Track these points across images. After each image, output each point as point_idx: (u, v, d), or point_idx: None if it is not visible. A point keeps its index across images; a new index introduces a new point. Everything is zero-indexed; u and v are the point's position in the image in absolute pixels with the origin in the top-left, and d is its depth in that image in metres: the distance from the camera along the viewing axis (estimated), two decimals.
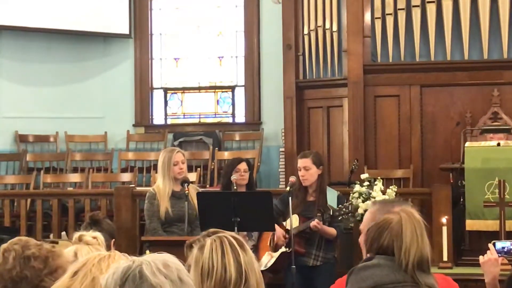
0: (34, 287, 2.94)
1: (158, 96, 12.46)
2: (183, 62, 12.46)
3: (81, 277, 2.41)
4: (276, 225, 6.76)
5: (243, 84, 12.16)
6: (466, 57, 9.74)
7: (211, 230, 2.88)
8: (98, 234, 3.80)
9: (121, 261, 2.23)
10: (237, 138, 11.91)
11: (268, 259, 6.95)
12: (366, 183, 7.66)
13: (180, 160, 7.03)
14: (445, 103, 9.89)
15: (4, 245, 3.20)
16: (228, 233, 2.83)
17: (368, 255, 3.13)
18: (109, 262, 2.44)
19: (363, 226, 3.48)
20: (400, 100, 10.00)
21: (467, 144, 8.11)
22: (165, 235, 6.86)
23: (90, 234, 3.75)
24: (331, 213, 6.73)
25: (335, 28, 10.36)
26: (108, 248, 4.92)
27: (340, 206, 6.80)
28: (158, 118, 12.45)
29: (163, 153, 7.19)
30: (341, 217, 6.84)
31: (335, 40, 10.36)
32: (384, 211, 3.33)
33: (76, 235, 3.78)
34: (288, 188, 6.80)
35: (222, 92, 12.40)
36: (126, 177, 10.65)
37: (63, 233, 8.56)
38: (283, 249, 6.83)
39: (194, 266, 2.77)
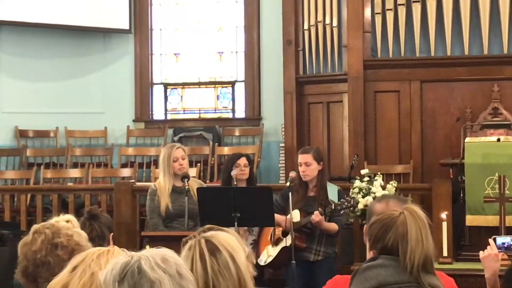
0: (53, 275, 2.94)
1: (158, 91, 12.45)
2: (183, 58, 12.45)
3: (80, 272, 2.39)
4: (276, 214, 6.75)
5: (243, 79, 12.15)
6: (466, 52, 9.74)
7: (207, 226, 2.86)
8: (70, 217, 3.79)
9: (120, 256, 2.22)
10: (237, 134, 11.90)
11: (267, 255, 6.96)
12: (366, 178, 7.66)
13: (180, 156, 7.04)
14: (445, 99, 9.89)
15: (36, 226, 3.22)
16: (213, 233, 2.75)
17: (371, 252, 3.11)
18: (108, 257, 2.42)
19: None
20: (400, 96, 10.00)
21: (467, 139, 8.11)
22: (166, 231, 6.87)
23: (62, 219, 3.75)
24: (333, 207, 6.74)
25: (335, 23, 10.36)
26: (107, 242, 4.94)
27: (342, 200, 6.81)
28: (158, 114, 12.44)
29: (163, 150, 7.24)
30: (343, 211, 6.85)
31: (335, 36, 10.36)
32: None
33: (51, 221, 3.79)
34: (288, 184, 6.81)
35: (222, 87, 12.39)
36: (126, 172, 10.66)
37: None
38: (283, 243, 6.84)
39: None
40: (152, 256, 2.14)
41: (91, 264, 2.40)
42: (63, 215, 3.81)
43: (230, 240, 2.74)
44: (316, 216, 6.65)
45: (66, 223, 3.69)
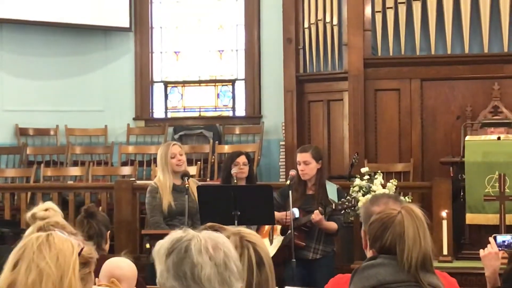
0: None
1: (158, 89, 12.45)
2: (183, 56, 12.45)
3: (25, 268, 2.27)
4: (275, 212, 6.76)
5: (244, 77, 12.16)
6: (466, 50, 9.73)
7: (209, 224, 2.86)
8: (49, 205, 3.77)
9: (178, 230, 2.22)
10: (237, 132, 11.90)
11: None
12: (366, 176, 7.66)
13: (177, 152, 7.04)
14: (445, 97, 9.89)
15: (40, 223, 3.19)
16: (257, 240, 2.72)
17: (371, 251, 3.11)
18: (50, 247, 2.31)
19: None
20: (400, 94, 9.99)
21: (467, 138, 8.11)
22: (168, 229, 6.86)
23: (40, 208, 3.72)
24: (333, 207, 6.74)
25: (335, 21, 10.35)
26: (105, 240, 4.95)
27: (342, 200, 6.80)
28: (158, 112, 12.44)
29: (160, 148, 7.24)
30: (343, 211, 6.85)
31: (335, 34, 10.35)
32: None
33: (28, 215, 3.76)
34: (288, 182, 6.80)
35: (223, 85, 12.39)
36: (126, 170, 10.65)
37: None
38: (280, 239, 6.84)
39: None
40: (205, 239, 2.16)
41: (35, 259, 2.28)
42: (42, 204, 3.79)
43: (269, 253, 2.74)
44: (316, 216, 6.65)
45: (45, 212, 3.67)
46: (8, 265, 2.29)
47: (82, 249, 2.34)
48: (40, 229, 3.18)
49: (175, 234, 2.20)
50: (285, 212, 6.76)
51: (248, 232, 2.75)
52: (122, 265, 3.96)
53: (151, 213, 7.08)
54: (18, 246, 2.33)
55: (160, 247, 2.19)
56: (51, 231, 2.36)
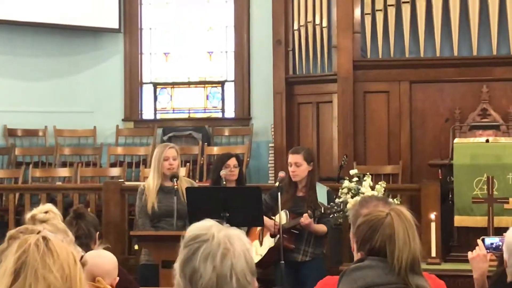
0: None
1: (147, 90, 12.43)
2: (173, 57, 12.43)
3: (31, 280, 2.10)
4: (265, 217, 6.76)
5: (233, 79, 12.15)
6: (455, 53, 9.76)
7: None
8: (49, 207, 3.73)
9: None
10: (227, 133, 11.90)
11: (256, 254, 6.95)
12: (355, 178, 7.67)
13: (171, 156, 7.03)
14: (434, 99, 9.91)
15: (11, 232, 3.16)
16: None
17: (359, 254, 3.11)
18: (53, 256, 2.15)
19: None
20: (389, 96, 10.01)
21: (456, 140, 8.13)
22: (154, 231, 6.85)
23: (40, 210, 3.68)
24: (322, 211, 6.73)
25: (325, 23, 10.37)
26: (94, 241, 4.94)
27: (331, 204, 6.80)
28: (147, 113, 12.42)
29: (157, 148, 7.27)
30: (332, 214, 6.85)
31: (325, 36, 10.36)
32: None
33: (28, 216, 3.72)
34: (277, 183, 6.80)
35: (212, 87, 12.38)
36: (115, 171, 10.63)
37: None
38: (271, 243, 6.84)
39: None
40: (218, 244, 2.23)
41: (40, 269, 2.11)
42: (43, 206, 3.76)
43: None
44: (305, 219, 6.64)
45: (45, 214, 3.64)
46: (7, 273, 2.13)
47: (82, 257, 2.27)
48: (10, 238, 3.13)
49: (200, 227, 2.21)
50: (273, 222, 6.75)
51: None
52: (100, 262, 3.96)
53: (138, 215, 7.09)
54: (13, 251, 2.18)
55: (187, 234, 2.19)
56: (42, 233, 2.29)
